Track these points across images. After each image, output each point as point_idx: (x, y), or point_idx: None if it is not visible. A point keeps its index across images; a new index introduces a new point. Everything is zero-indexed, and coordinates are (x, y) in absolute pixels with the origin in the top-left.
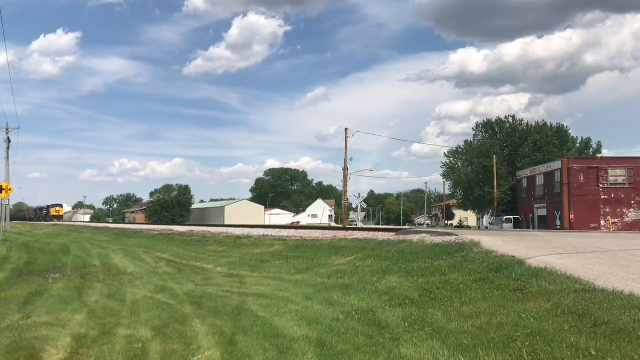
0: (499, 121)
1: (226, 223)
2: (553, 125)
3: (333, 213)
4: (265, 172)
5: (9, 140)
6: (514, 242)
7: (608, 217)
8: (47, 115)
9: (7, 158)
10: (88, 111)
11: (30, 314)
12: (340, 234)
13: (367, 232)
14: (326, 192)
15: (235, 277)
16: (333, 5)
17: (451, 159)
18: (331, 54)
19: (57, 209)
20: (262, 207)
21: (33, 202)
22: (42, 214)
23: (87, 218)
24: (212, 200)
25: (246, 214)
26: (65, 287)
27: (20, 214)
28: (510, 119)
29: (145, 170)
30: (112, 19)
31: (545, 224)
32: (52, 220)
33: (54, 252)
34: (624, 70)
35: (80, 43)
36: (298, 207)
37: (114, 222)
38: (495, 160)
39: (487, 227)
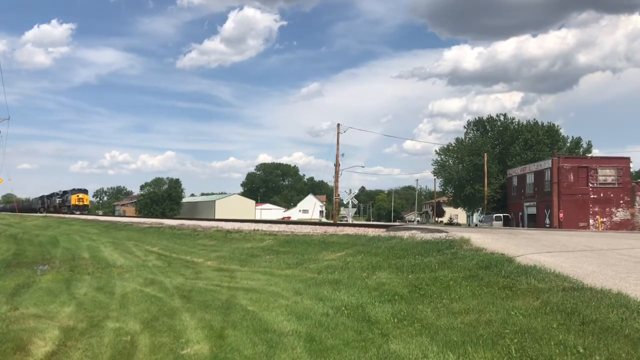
0: (491, 119)
1: (217, 217)
2: (544, 124)
3: (324, 209)
4: (256, 166)
5: None
6: (503, 240)
7: (597, 216)
8: (38, 106)
9: None
10: (80, 102)
11: (18, 305)
12: (331, 230)
13: (357, 228)
14: (317, 188)
15: (225, 271)
16: (328, 0)
17: (442, 157)
18: (326, 49)
19: (81, 195)
20: (253, 202)
21: (22, 193)
22: (53, 203)
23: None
24: (202, 194)
25: (237, 209)
26: (54, 279)
27: (10, 205)
28: (502, 117)
29: (136, 163)
30: (106, 10)
31: (535, 222)
32: (72, 213)
33: (43, 244)
34: (616, 70)
35: (74, 34)
36: (289, 202)
37: (103, 215)
38: (486, 158)
39: (477, 225)
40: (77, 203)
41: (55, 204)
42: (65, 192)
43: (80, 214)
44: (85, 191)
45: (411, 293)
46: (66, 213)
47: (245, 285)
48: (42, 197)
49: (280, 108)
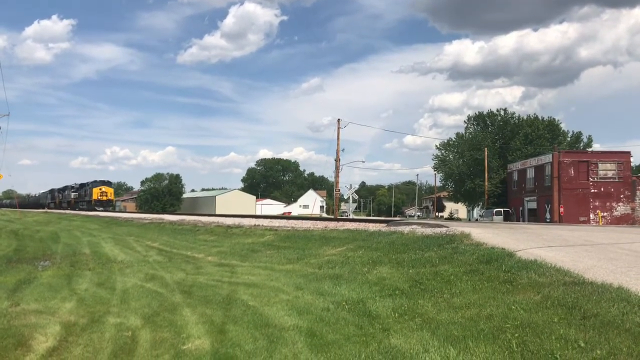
0: (491, 114)
1: (217, 212)
2: (544, 119)
3: (324, 204)
4: (257, 162)
5: None
6: (504, 235)
7: (597, 211)
8: (38, 101)
9: None
10: (80, 98)
11: (19, 301)
12: (332, 225)
13: (358, 223)
14: (318, 183)
15: (225, 267)
16: None
17: (443, 151)
18: (326, 44)
19: (104, 189)
20: (254, 197)
21: (23, 189)
22: (66, 197)
23: None
24: (203, 190)
25: (237, 204)
26: (55, 274)
27: (11, 201)
28: (502, 112)
29: (137, 159)
30: (106, 6)
31: (535, 216)
32: (93, 209)
33: (44, 239)
34: (618, 64)
35: (74, 30)
36: (289, 198)
37: (104, 211)
38: (486, 153)
39: (477, 220)
40: (99, 198)
41: (70, 198)
42: (83, 185)
43: (103, 211)
44: (108, 183)
45: (412, 288)
46: (85, 210)
47: (246, 280)
48: (52, 191)
49: (281, 103)
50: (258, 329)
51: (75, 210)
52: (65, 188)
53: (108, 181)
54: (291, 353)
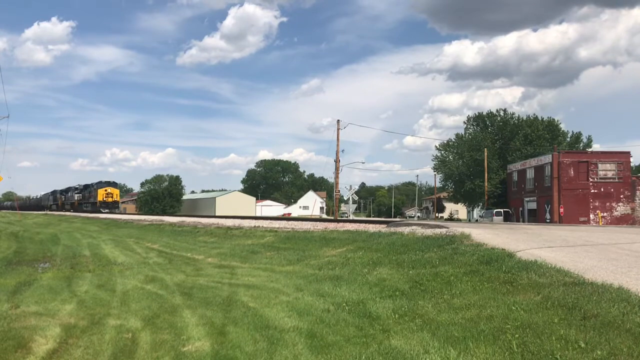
0: (491, 114)
1: (217, 214)
2: (544, 119)
3: (324, 205)
4: (257, 163)
5: None
6: (504, 235)
7: (597, 211)
8: (38, 103)
9: None
10: (80, 100)
11: (19, 303)
12: (332, 226)
13: (358, 224)
14: (318, 184)
15: (226, 268)
16: None
17: (442, 152)
18: (326, 45)
19: (109, 190)
20: (254, 199)
21: (23, 191)
22: (69, 199)
23: None
24: (203, 191)
25: (237, 205)
26: (55, 276)
27: (11, 203)
28: (502, 113)
29: (136, 160)
30: (106, 8)
31: (535, 217)
32: (99, 211)
33: (44, 241)
34: (617, 65)
35: (74, 31)
36: (289, 199)
37: (109, 213)
38: (486, 154)
39: (477, 220)
40: (105, 199)
41: (73, 200)
42: (87, 186)
43: (109, 213)
44: (114, 184)
45: (412, 289)
46: (89, 212)
47: (246, 281)
48: (54, 193)
49: (281, 104)
50: (258, 330)
51: (78, 212)
52: (68, 189)
53: (114, 182)
54: (291, 354)
